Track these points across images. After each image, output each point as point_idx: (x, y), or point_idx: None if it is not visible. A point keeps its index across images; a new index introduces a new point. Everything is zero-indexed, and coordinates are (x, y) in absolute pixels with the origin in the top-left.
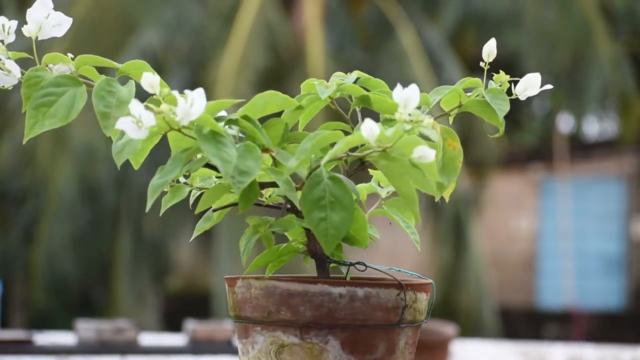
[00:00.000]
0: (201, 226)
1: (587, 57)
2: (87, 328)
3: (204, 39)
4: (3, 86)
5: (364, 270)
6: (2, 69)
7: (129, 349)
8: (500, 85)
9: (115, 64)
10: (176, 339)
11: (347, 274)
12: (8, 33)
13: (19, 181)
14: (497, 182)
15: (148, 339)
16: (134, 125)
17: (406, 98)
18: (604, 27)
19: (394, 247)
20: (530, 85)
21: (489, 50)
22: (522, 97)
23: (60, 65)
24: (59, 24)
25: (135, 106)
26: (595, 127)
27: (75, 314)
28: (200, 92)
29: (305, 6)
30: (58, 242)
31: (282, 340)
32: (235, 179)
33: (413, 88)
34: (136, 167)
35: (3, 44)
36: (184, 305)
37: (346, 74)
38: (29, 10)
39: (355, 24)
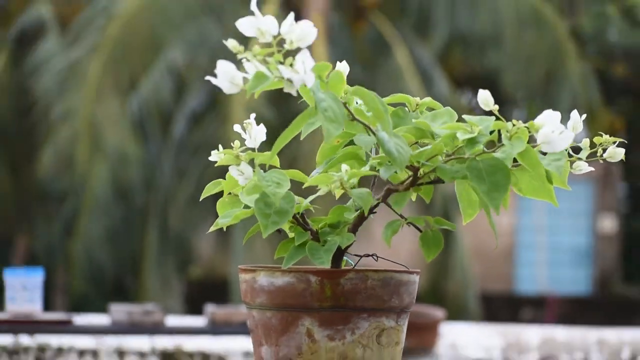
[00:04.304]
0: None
1: (559, 73)
2: (119, 310)
3: (222, 56)
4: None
5: (377, 261)
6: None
7: (156, 329)
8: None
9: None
10: (197, 321)
11: (355, 264)
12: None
13: (60, 183)
14: None
15: (173, 320)
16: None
17: (575, 124)
18: (574, 48)
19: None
20: None
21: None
22: None
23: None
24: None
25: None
26: None
27: (109, 298)
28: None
29: None
30: (94, 236)
31: (384, 325)
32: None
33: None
34: None
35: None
36: (204, 291)
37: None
38: (284, 22)
39: (355, 42)
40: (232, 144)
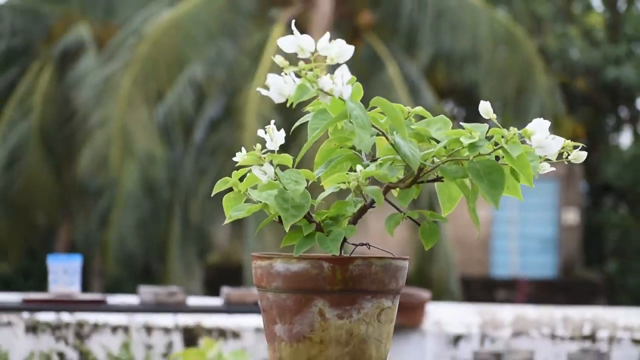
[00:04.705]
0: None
1: (528, 86)
2: (147, 292)
3: (237, 72)
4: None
5: (369, 249)
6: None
7: (179, 308)
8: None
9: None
10: (215, 301)
11: (351, 252)
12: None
13: (97, 181)
14: None
15: (193, 300)
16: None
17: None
18: (541, 64)
19: (383, 229)
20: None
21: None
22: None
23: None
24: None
25: None
26: None
27: (138, 281)
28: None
29: None
30: (126, 227)
31: (383, 305)
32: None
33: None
34: None
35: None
36: (220, 275)
37: None
38: (321, 40)
39: (352, 58)
40: (254, 146)
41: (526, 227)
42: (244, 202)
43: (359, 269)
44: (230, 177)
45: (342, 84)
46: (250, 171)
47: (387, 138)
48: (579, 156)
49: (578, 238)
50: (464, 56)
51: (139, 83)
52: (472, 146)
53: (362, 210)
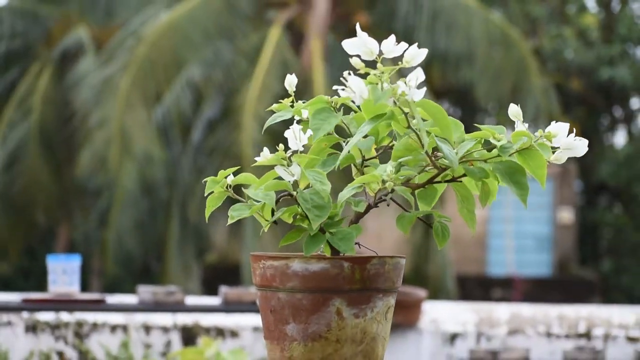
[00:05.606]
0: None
1: (523, 86)
2: (145, 291)
3: (234, 73)
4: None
5: (360, 248)
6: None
7: (177, 307)
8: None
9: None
10: (213, 300)
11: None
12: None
13: (96, 180)
14: None
15: (191, 300)
16: None
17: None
18: (536, 65)
19: (380, 228)
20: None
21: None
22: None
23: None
24: (416, 55)
25: None
26: None
27: (137, 280)
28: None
29: (311, 47)
30: (124, 227)
31: (390, 303)
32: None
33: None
34: None
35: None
36: (218, 274)
37: None
38: (387, 43)
39: (349, 59)
40: (281, 147)
41: (521, 225)
42: (225, 201)
43: (375, 268)
44: None
45: (415, 86)
46: (239, 171)
47: (419, 138)
48: (561, 157)
49: (573, 237)
50: (459, 57)
51: (138, 84)
52: (502, 148)
53: (367, 210)
